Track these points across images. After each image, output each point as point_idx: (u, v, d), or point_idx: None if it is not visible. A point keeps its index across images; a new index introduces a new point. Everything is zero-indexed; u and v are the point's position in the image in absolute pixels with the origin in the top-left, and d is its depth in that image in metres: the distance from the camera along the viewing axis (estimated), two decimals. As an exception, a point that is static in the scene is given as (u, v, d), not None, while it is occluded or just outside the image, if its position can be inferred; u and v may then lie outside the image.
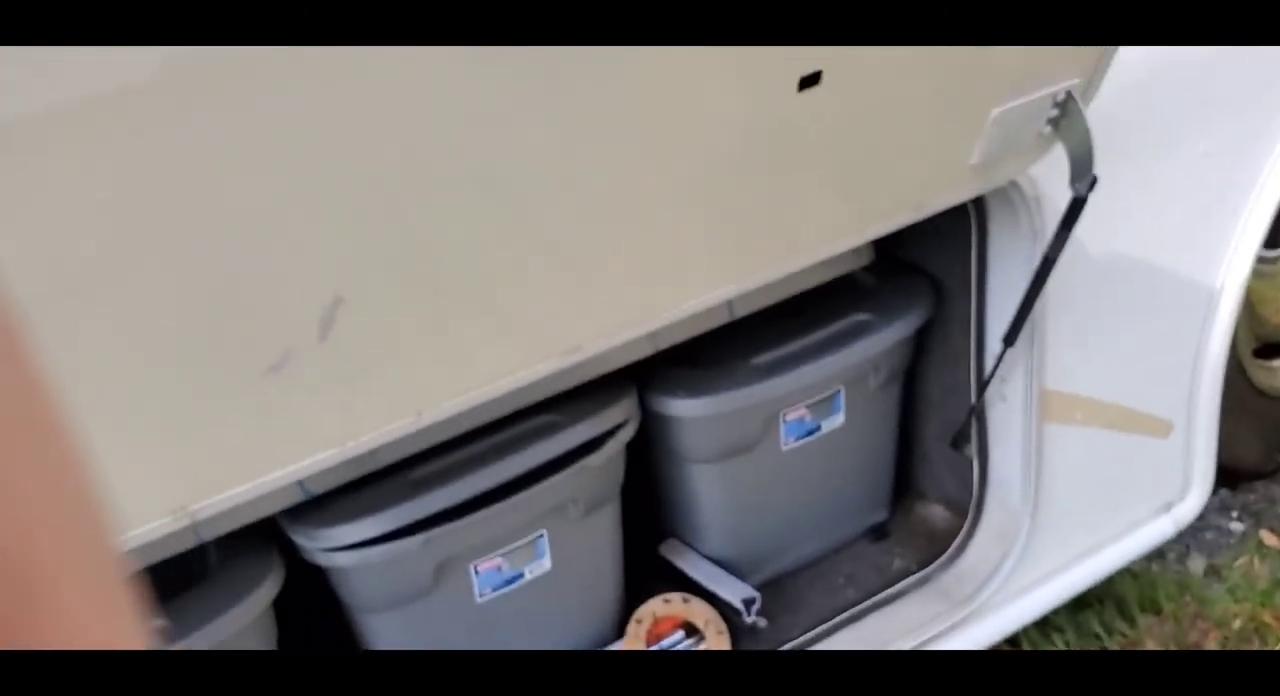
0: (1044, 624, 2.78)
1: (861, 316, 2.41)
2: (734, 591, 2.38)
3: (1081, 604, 2.83)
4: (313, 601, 2.10)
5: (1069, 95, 1.98)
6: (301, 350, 1.45)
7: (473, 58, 1.31)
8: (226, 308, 1.35)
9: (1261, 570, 3.03)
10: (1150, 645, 2.81)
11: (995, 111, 1.92)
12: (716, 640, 2.33)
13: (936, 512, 2.72)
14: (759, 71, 1.59)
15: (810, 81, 1.62)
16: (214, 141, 1.20)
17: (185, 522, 1.53)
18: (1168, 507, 2.80)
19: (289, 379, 1.46)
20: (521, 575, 2.17)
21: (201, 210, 1.26)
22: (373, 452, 1.88)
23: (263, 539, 2.01)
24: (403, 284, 1.49)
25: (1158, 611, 2.90)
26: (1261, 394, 3.10)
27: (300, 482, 1.92)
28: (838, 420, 2.42)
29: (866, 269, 2.47)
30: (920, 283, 2.48)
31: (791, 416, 2.33)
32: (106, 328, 1.29)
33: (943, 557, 2.59)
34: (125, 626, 0.48)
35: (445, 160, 1.40)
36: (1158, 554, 3.02)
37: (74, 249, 1.20)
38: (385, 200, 1.39)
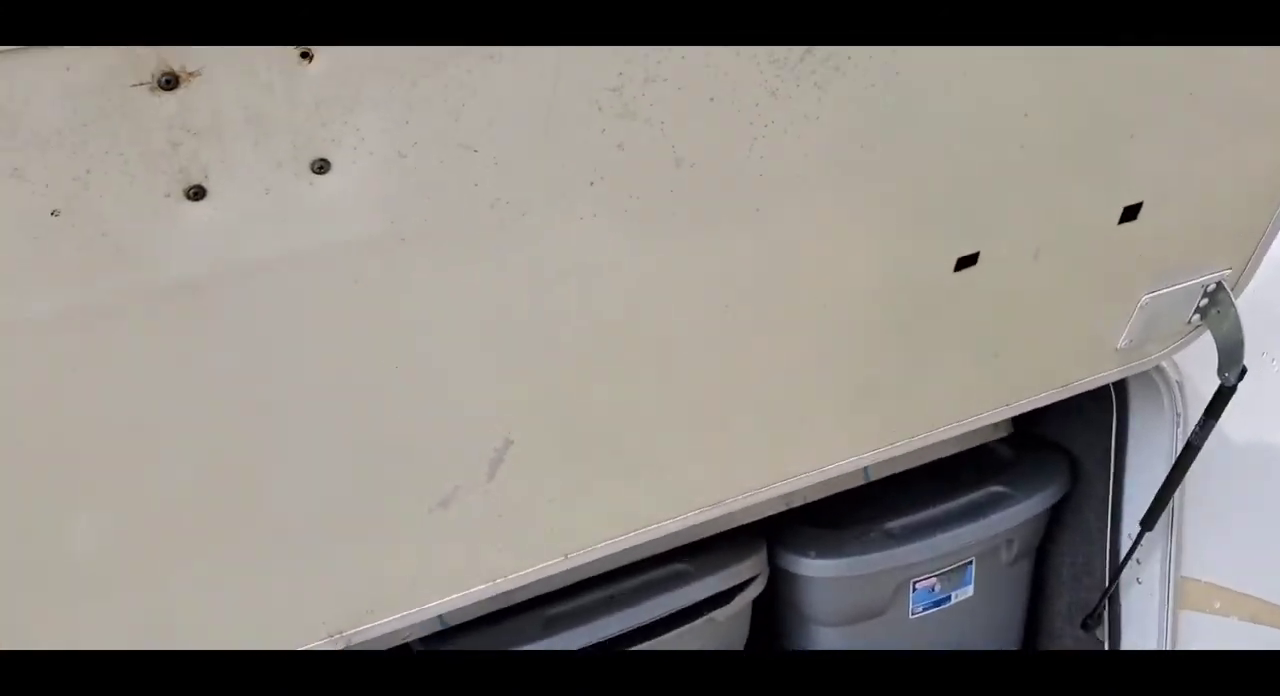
0: None
1: (997, 488, 2.41)
2: (852, 760, 2.34)
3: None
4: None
5: (1220, 285, 2.00)
6: (469, 488, 1.52)
7: (636, 226, 1.40)
8: (412, 445, 1.44)
9: None
10: None
11: (1145, 298, 1.95)
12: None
13: (1063, 695, 2.64)
14: (917, 249, 1.65)
15: (967, 262, 1.68)
16: (424, 301, 1.31)
17: (339, 646, 1.60)
18: (1313, 710, 2.67)
19: (454, 516, 1.53)
20: (642, 725, 2.17)
21: (407, 356, 1.36)
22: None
23: (396, 666, 2.07)
24: (568, 432, 1.57)
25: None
26: None
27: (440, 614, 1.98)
28: (967, 591, 2.40)
29: (1003, 441, 2.48)
30: (1057, 458, 2.48)
31: (921, 584, 2.32)
32: (303, 463, 1.38)
33: (1070, 744, 2.50)
34: None
35: (617, 325, 1.49)
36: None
37: (282, 389, 1.31)
38: (562, 354, 1.47)
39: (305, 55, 1.07)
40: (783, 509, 2.22)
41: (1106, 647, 2.53)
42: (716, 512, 1.84)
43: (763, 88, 1.31)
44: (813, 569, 2.25)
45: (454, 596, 1.66)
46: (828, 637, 2.34)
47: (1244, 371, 2.04)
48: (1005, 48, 1.41)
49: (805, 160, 1.41)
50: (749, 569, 2.20)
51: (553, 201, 1.31)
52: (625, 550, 1.85)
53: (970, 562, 2.37)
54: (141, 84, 1.02)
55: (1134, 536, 2.37)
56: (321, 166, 1.15)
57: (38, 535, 1.29)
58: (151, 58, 1.01)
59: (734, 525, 2.21)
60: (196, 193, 1.10)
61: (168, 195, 1.09)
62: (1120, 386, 2.32)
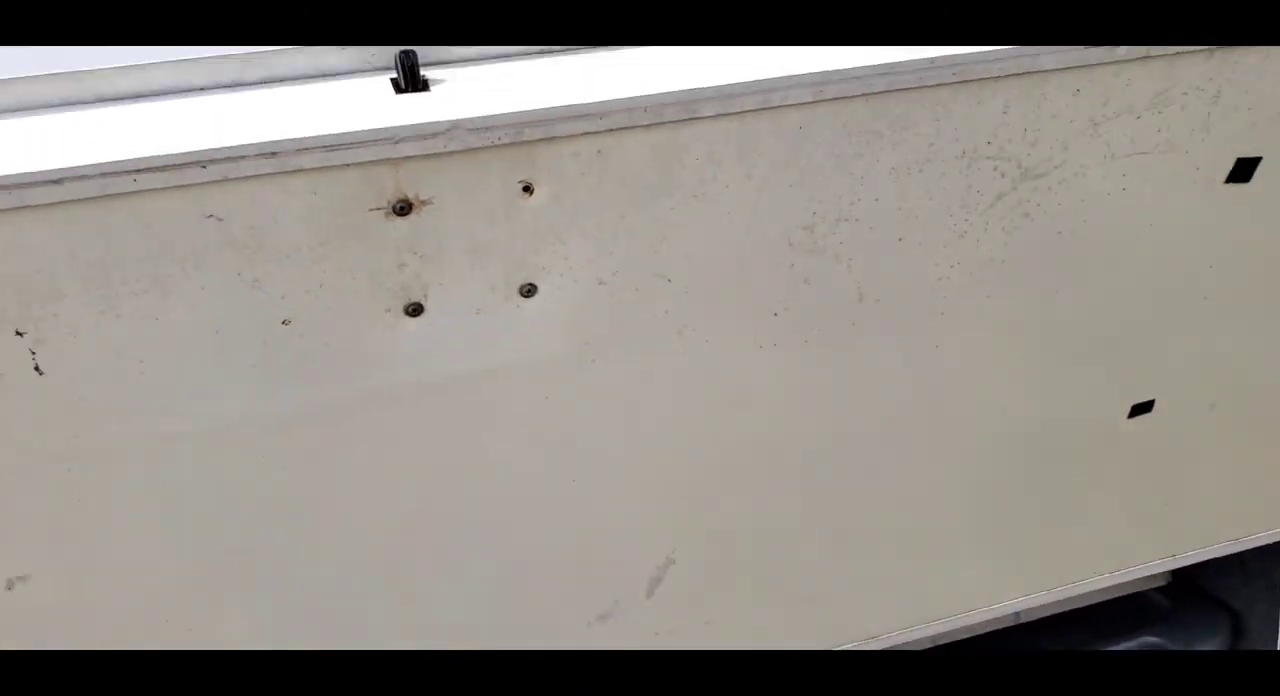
0: None
1: (1151, 639, 2.31)
2: None
3: None
4: None
5: (1406, 445, 1.92)
6: (628, 604, 1.54)
7: (814, 357, 1.42)
8: (581, 556, 1.47)
9: None
10: None
11: (1325, 452, 1.88)
12: None
13: None
14: (1092, 394, 1.64)
15: (1142, 409, 1.66)
16: (606, 419, 1.35)
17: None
18: None
19: (610, 630, 1.55)
20: None
21: (585, 469, 1.40)
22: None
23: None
24: (728, 556, 1.58)
25: None
26: None
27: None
28: (1117, 748, 2.28)
29: (1160, 589, 2.39)
30: (1217, 614, 2.37)
31: (1070, 736, 2.22)
32: (471, 566, 1.42)
33: None
34: None
35: (786, 452, 1.50)
36: None
37: (467, 495, 1.36)
38: (730, 477, 1.49)
39: (527, 188, 1.14)
40: (929, 647, 2.17)
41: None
42: (872, 646, 1.82)
43: (952, 230, 1.34)
44: (957, 710, 2.18)
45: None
46: (969, 784, 2.25)
47: None
48: (1197, 202, 1.42)
49: (988, 301, 1.43)
50: (890, 705, 2.14)
51: (737, 330, 1.35)
52: (770, 676, 1.83)
53: (1122, 716, 2.26)
54: (378, 209, 1.10)
55: (1302, 703, 2.23)
56: (529, 290, 1.21)
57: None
58: (391, 184, 1.08)
59: (876, 658, 2.16)
60: (415, 309, 1.17)
61: (388, 310, 1.16)
62: (1291, 542, 2.22)
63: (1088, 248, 1.42)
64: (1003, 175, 1.32)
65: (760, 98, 1.16)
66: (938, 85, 1.22)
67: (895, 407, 1.53)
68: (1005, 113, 1.27)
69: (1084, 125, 1.31)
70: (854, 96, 1.19)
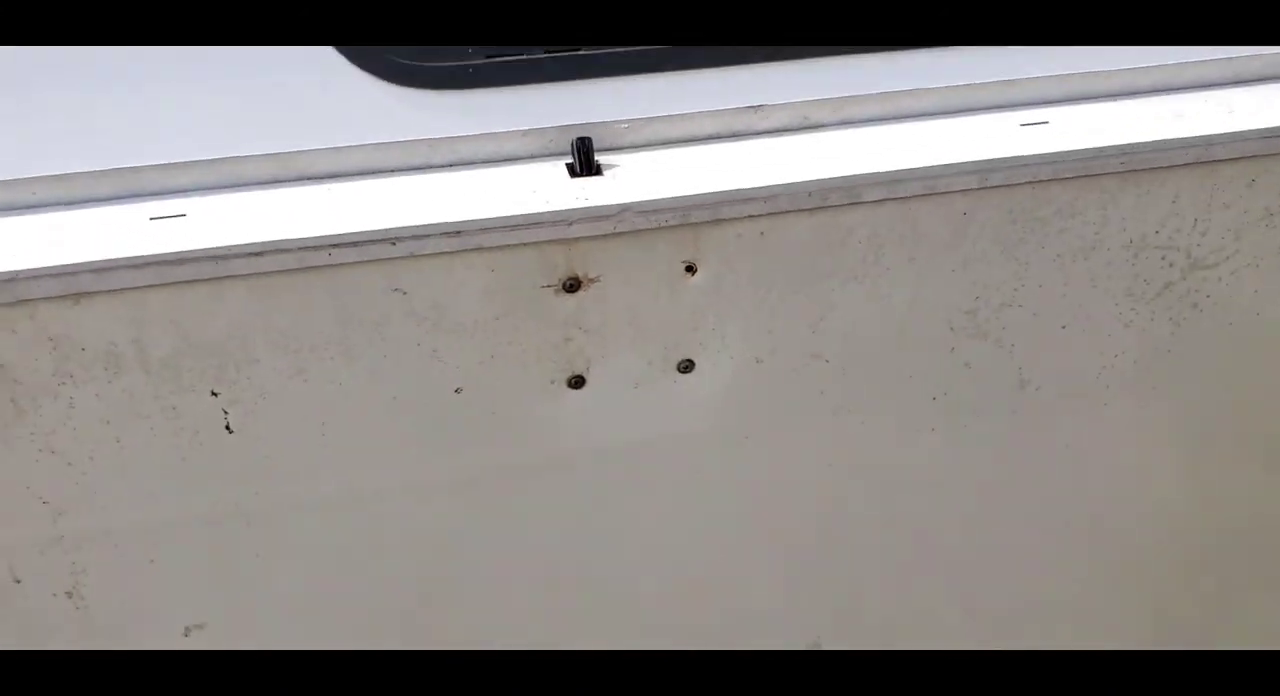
0: None
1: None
2: None
3: None
4: None
5: None
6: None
7: (973, 442, 1.40)
8: (731, 632, 1.47)
9: None
10: None
11: None
12: None
13: None
14: (1268, 487, 1.57)
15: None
16: (755, 495, 1.37)
17: None
18: None
19: (755, 710, 1.54)
20: None
21: (731, 545, 1.41)
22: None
23: None
24: (876, 644, 1.56)
25: None
26: None
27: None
28: None
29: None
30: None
31: None
32: (602, 631, 1.44)
33: None
34: None
35: (938, 537, 1.48)
36: None
37: (615, 561, 1.38)
38: (878, 560, 1.49)
39: (690, 268, 1.17)
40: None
41: None
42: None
43: (1117, 319, 1.32)
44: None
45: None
46: None
47: None
48: (1380, 295, 1.37)
49: (1153, 393, 1.39)
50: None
51: (893, 413, 1.35)
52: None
53: None
54: (549, 286, 1.14)
55: None
56: (686, 366, 1.24)
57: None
58: (563, 263, 1.13)
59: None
60: (577, 382, 1.21)
61: (552, 382, 1.21)
62: None
63: (1260, 340, 1.38)
64: (1171, 265, 1.30)
65: (925, 183, 1.17)
66: (1104, 174, 1.22)
67: (1054, 498, 1.50)
68: (1175, 202, 1.26)
69: (1258, 215, 1.29)
70: (1019, 184, 1.19)
